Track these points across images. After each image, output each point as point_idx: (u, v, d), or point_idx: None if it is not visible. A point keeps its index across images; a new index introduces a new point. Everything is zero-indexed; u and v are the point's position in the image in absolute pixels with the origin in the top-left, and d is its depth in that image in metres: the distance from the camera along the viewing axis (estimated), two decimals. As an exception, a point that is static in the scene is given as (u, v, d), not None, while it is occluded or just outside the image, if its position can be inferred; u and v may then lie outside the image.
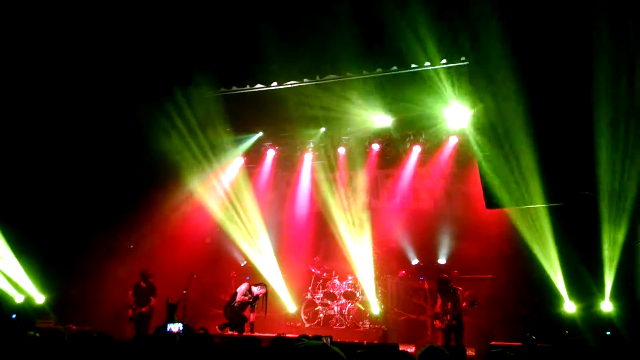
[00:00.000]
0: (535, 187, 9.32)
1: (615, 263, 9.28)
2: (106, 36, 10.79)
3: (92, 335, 4.36)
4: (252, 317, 11.45)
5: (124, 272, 12.12)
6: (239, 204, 13.89)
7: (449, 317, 10.11)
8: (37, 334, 6.15)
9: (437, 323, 10.35)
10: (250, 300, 11.45)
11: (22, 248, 11.62)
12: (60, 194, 11.93)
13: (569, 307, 10.08)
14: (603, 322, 9.50)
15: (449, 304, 10.22)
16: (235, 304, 11.34)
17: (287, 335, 8.32)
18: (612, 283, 9.39)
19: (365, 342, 10.66)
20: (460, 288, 10.48)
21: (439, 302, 10.46)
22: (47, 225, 11.78)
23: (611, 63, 8.19)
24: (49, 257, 11.78)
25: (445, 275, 10.88)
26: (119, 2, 10.42)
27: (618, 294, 9.49)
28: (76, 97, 11.47)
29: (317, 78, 11.70)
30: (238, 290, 11.59)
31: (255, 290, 11.53)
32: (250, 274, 13.30)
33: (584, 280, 9.82)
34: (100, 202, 12.39)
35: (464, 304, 10.15)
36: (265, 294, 11.67)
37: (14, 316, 10.98)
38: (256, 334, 11.10)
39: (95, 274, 12.19)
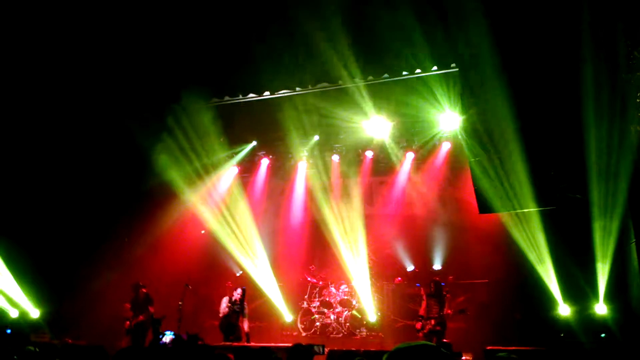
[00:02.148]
0: (527, 191, 9.39)
1: (608, 265, 9.32)
2: (99, 50, 10.84)
3: (84, 348, 4.35)
4: (246, 326, 11.39)
5: (119, 285, 12.08)
6: (234, 214, 13.89)
7: (432, 322, 10.12)
8: (37, 349, 6.12)
9: (418, 325, 10.33)
10: (234, 307, 11.34)
11: (16, 262, 11.57)
12: (53, 208, 11.91)
13: (564, 310, 10.10)
14: (597, 324, 9.52)
15: (436, 307, 10.24)
16: (222, 316, 11.33)
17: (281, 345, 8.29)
18: (606, 285, 9.42)
19: (362, 349, 10.64)
20: (448, 295, 10.52)
21: (424, 304, 10.47)
22: (41, 239, 11.75)
23: (596, 66, 8.29)
24: (43, 271, 11.73)
25: (437, 277, 10.94)
26: (111, 16, 10.48)
27: (612, 296, 9.52)
28: (68, 111, 11.50)
29: (309, 87, 11.78)
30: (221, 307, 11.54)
31: (235, 295, 11.44)
32: (245, 283, 13.28)
33: (577, 282, 9.84)
34: (94, 215, 12.38)
35: (451, 311, 10.17)
36: (243, 293, 11.52)
37: (8, 331, 10.95)
38: (252, 344, 11.05)
39: (89, 288, 12.15)
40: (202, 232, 12.81)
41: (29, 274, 11.72)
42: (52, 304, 11.98)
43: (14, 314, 11.58)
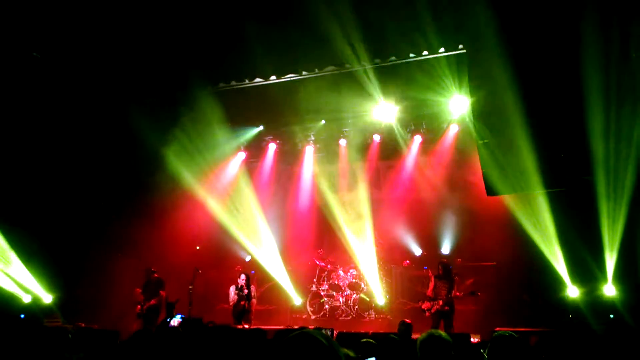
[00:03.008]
0: (534, 173, 9.35)
1: (616, 246, 9.28)
2: (105, 37, 10.82)
3: (96, 331, 4.43)
4: (252, 307, 11.57)
5: (130, 270, 12.22)
6: (241, 200, 13.94)
7: (440, 303, 10.10)
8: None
9: (426, 305, 10.34)
10: (242, 293, 11.54)
11: (27, 248, 11.68)
12: (63, 194, 12.01)
13: (572, 291, 10.10)
14: (606, 305, 9.52)
15: (444, 289, 10.24)
16: (232, 304, 11.55)
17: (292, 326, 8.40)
18: (614, 266, 9.39)
19: (370, 332, 10.72)
20: (457, 277, 10.51)
21: (431, 285, 10.48)
22: (52, 225, 11.86)
23: (606, 45, 8.17)
24: (55, 257, 11.86)
25: (445, 260, 10.95)
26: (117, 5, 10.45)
27: (621, 277, 9.50)
28: (76, 98, 11.53)
29: (316, 70, 11.72)
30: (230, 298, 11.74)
31: (240, 282, 11.65)
32: (255, 267, 13.41)
33: (586, 264, 9.83)
34: (103, 200, 12.49)
35: (460, 293, 10.15)
36: (247, 278, 11.73)
37: (22, 316, 11.12)
38: (262, 326, 11.18)
39: (101, 273, 12.30)
40: (197, 248, 12.62)
41: (41, 259, 11.84)
42: (65, 289, 12.14)
43: (26, 299, 11.74)
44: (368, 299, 12.97)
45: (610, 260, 9.38)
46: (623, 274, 9.47)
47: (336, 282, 13.32)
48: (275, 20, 10.37)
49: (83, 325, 10.75)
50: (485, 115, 10.11)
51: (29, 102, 11.31)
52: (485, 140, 9.98)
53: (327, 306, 13.18)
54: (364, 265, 13.20)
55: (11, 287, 11.57)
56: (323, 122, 13.85)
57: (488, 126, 9.94)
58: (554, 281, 10.32)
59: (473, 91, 10.45)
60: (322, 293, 13.33)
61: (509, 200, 10.79)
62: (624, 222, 9.04)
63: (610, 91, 8.25)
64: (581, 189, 9.23)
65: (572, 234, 10.03)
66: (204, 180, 13.59)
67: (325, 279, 13.57)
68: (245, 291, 11.52)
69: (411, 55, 11.00)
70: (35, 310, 11.50)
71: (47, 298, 11.93)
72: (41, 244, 11.63)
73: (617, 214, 8.98)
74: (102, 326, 10.30)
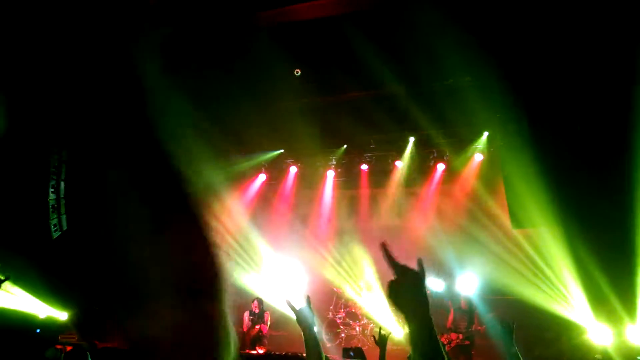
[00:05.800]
0: (562, 207, 9.10)
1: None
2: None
3: (111, 350, 4.33)
4: (264, 331, 11.46)
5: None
6: (261, 222, 13.86)
7: (461, 337, 9.81)
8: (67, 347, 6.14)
9: (443, 339, 9.99)
10: (255, 318, 11.51)
11: (39, 265, 11.61)
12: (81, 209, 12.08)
13: (598, 330, 9.72)
14: (635, 347, 9.12)
15: (464, 323, 9.97)
16: (246, 329, 11.50)
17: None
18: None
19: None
20: (477, 311, 10.24)
21: (451, 318, 10.21)
22: (69, 241, 11.91)
23: None
24: (72, 275, 11.84)
25: (468, 293, 10.71)
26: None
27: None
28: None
29: (339, 95, 11.70)
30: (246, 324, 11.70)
31: (253, 307, 11.62)
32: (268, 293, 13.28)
33: (612, 304, 9.46)
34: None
35: (482, 327, 9.85)
36: (259, 303, 11.67)
37: (37, 330, 11.10)
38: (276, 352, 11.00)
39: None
40: None
41: (56, 277, 11.79)
42: (80, 306, 12.09)
43: (42, 315, 11.70)
44: (384, 332, 12.63)
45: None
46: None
47: (353, 311, 13.06)
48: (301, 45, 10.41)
49: (97, 342, 10.68)
50: (513, 146, 9.95)
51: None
52: (512, 172, 9.80)
53: (343, 335, 12.91)
54: (384, 293, 12.93)
55: (27, 304, 11.55)
56: (345, 146, 13.78)
57: (515, 157, 9.77)
58: (578, 319, 9.97)
59: (502, 122, 10.31)
60: (338, 321, 13.07)
61: (533, 232, 10.52)
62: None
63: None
64: (614, 226, 8.86)
65: (601, 273, 9.69)
66: (223, 200, 13.57)
67: (343, 306, 13.32)
68: (258, 316, 11.47)
69: (437, 82, 10.92)
70: (51, 326, 11.47)
71: (62, 315, 11.90)
72: (56, 260, 11.58)
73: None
74: (116, 344, 10.21)
